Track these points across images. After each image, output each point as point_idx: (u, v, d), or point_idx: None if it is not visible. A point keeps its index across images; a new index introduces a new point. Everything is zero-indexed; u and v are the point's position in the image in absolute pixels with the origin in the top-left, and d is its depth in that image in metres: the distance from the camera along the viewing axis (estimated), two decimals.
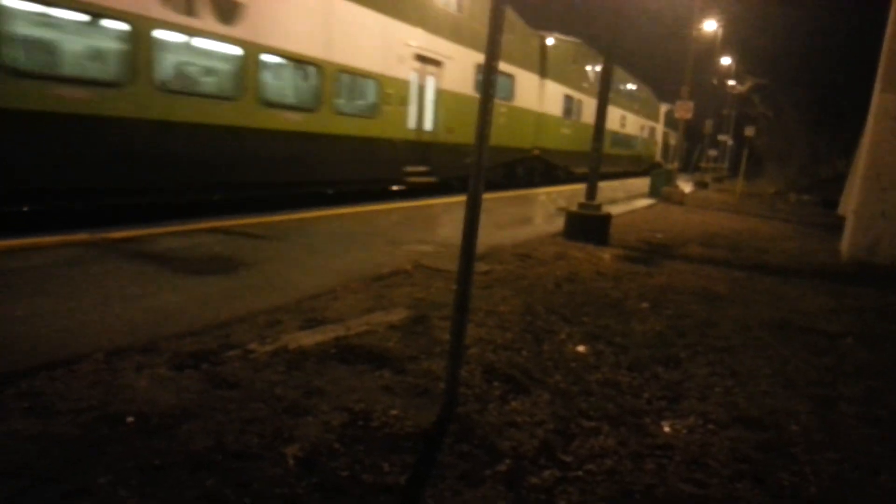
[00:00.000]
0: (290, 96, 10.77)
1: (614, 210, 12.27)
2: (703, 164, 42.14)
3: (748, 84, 38.67)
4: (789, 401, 3.83)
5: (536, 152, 21.06)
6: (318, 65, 10.84)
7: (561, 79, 22.87)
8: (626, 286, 6.54)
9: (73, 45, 7.50)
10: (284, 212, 9.47)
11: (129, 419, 2.86)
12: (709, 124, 40.80)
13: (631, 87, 35.41)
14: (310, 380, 3.43)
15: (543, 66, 21.14)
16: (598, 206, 9.71)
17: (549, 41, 21.53)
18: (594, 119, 9.80)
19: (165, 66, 8.37)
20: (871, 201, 9.79)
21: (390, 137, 13.08)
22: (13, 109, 6.71)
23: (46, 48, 7.24)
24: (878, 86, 9.86)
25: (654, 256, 8.73)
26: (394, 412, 3.13)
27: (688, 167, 44.42)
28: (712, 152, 44.52)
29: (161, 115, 8.21)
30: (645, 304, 5.83)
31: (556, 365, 4.03)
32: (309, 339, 4.04)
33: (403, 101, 13.44)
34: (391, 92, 12.86)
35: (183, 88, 8.61)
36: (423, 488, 2.54)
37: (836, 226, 13.34)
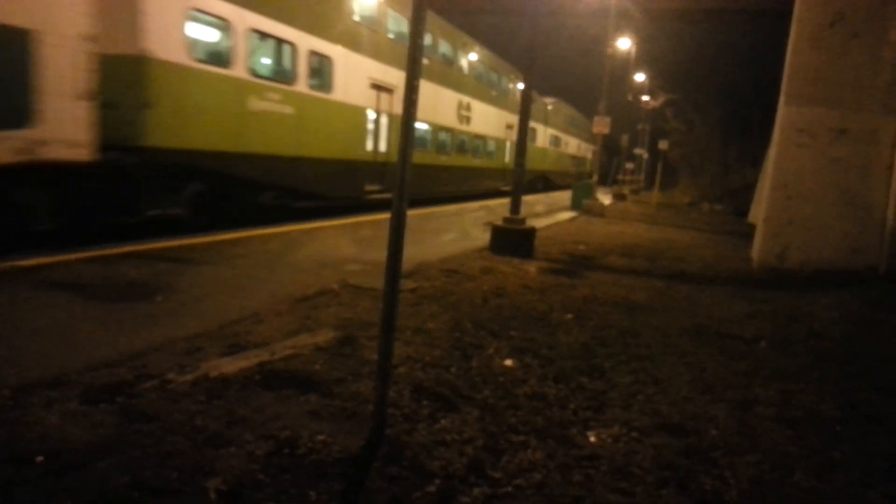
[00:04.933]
0: None
1: (538, 223, 12.50)
2: (620, 177, 43.50)
3: (661, 99, 40.15)
4: (708, 406, 3.96)
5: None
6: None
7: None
8: (552, 298, 6.65)
9: None
10: (206, 234, 9.21)
11: (39, 459, 2.70)
12: (625, 138, 42.23)
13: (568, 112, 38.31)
14: (232, 408, 3.32)
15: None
16: (523, 220, 9.87)
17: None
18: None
19: None
20: (778, 209, 10.32)
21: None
22: None
23: None
24: (782, 99, 10.43)
25: (577, 268, 8.92)
26: (321, 438, 3.06)
27: (606, 180, 45.75)
28: (629, 165, 45.99)
29: None
30: (569, 316, 5.94)
31: (485, 380, 4.05)
32: (231, 365, 3.92)
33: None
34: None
35: None
36: None
37: (748, 234, 13.98)
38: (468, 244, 10.43)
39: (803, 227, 10.18)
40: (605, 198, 22.05)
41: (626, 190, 36.33)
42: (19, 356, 3.98)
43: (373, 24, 15.00)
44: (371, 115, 15.18)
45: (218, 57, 10.24)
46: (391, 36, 15.82)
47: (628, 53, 34.60)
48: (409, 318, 5.26)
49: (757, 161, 25.00)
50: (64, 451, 2.77)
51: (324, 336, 4.67)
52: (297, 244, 9.23)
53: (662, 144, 30.06)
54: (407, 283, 6.48)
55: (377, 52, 15.01)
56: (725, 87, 33.37)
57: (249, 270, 7.07)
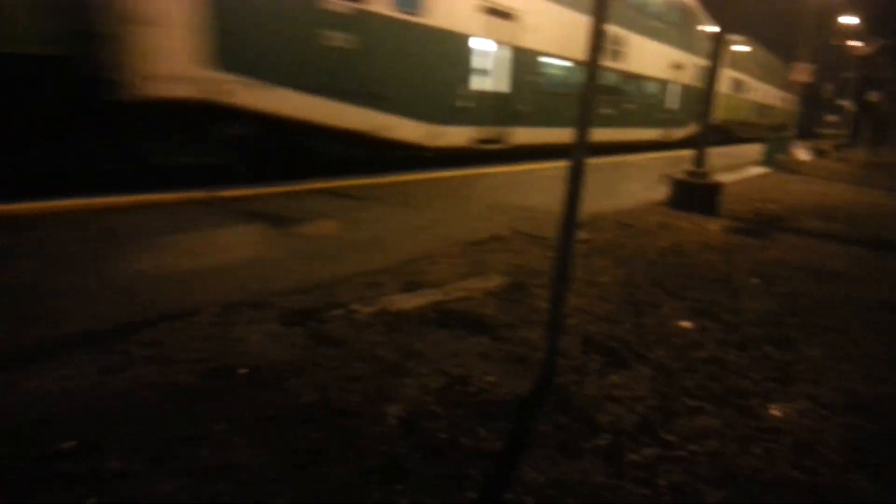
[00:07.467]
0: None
1: (725, 178, 11.72)
2: (821, 131, 39.60)
3: (874, 45, 35.53)
4: None
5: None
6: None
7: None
8: (736, 260, 6.26)
9: None
10: (387, 174, 9.59)
11: (242, 371, 3.02)
12: (828, 88, 38.12)
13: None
14: (409, 342, 3.49)
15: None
16: (707, 175, 9.30)
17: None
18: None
19: None
20: None
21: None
22: None
23: None
24: None
25: (766, 229, 8.30)
26: (490, 379, 3.15)
27: (805, 134, 41.96)
28: (832, 118, 41.64)
29: None
30: (755, 280, 5.57)
31: (658, 340, 3.93)
32: (409, 302, 4.11)
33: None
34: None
35: None
36: (521, 456, 2.55)
37: None
38: (647, 196, 10.00)
39: None
40: (801, 153, 20.08)
41: (826, 145, 33.00)
42: (225, 278, 4.43)
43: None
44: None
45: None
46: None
47: None
48: (580, 270, 5.19)
49: None
50: (263, 367, 3.07)
51: (494, 281, 4.74)
52: (468, 188, 9.38)
53: (873, 96, 26.85)
54: (579, 234, 6.37)
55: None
56: None
57: (424, 211, 7.30)
